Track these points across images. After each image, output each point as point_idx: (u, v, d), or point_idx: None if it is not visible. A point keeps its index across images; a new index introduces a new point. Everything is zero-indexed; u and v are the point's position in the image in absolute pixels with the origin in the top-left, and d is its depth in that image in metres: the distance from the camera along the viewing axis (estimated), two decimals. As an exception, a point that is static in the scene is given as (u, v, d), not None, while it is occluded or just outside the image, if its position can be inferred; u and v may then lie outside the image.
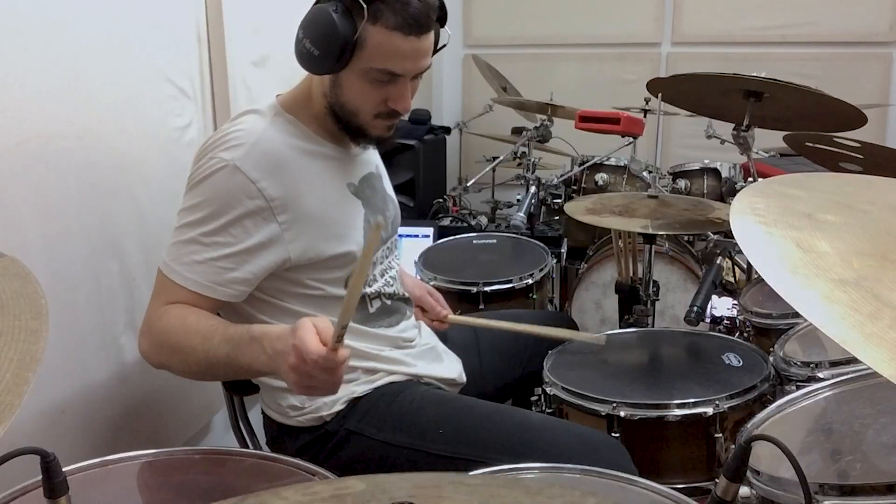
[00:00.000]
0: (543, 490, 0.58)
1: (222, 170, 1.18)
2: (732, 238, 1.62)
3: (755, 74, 1.73)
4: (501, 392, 1.64)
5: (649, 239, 1.85)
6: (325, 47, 1.16)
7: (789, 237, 0.74)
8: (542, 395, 1.47)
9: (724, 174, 2.82)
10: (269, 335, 1.09)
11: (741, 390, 1.36)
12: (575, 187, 2.88)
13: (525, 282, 2.04)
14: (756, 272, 1.97)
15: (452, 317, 1.58)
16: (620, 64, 3.93)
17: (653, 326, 1.91)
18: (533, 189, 2.64)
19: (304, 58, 1.20)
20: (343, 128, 1.29)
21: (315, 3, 1.20)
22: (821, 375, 1.28)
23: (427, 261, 2.21)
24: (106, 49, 1.39)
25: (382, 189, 1.45)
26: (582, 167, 2.86)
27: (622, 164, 2.82)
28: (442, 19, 1.24)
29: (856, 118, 1.71)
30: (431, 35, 1.22)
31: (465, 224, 2.93)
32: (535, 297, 2.06)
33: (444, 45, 1.25)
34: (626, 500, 1.00)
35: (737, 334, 1.84)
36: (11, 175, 1.20)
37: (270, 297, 1.28)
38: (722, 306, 2.22)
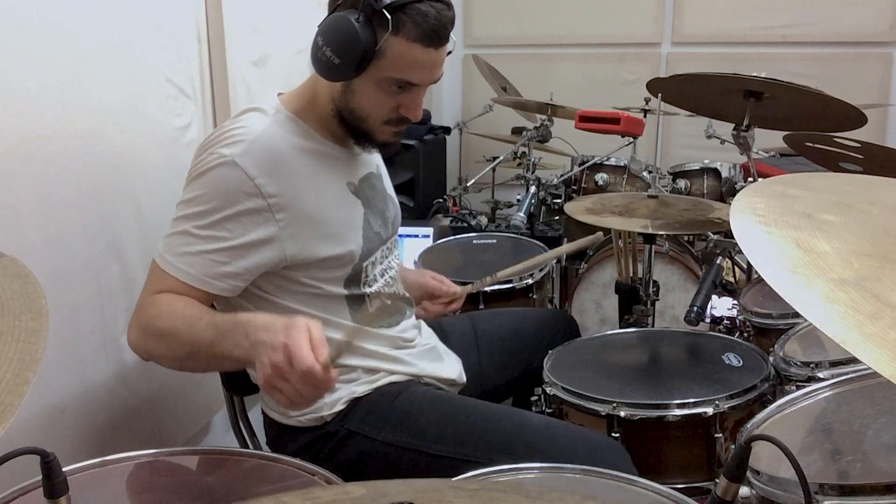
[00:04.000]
0: (544, 494, 0.58)
1: (221, 165, 1.19)
2: (732, 238, 1.62)
3: (755, 74, 1.73)
4: (501, 392, 1.64)
5: (649, 239, 1.85)
6: (345, 56, 1.16)
7: (789, 237, 0.74)
8: (542, 395, 1.47)
9: (724, 174, 2.82)
10: (253, 322, 1.09)
11: (741, 390, 1.36)
12: (575, 187, 2.88)
13: (525, 282, 2.04)
14: (756, 272, 1.97)
15: (462, 289, 1.58)
16: (620, 64, 3.92)
17: (653, 326, 1.91)
18: (533, 189, 2.64)
19: (323, 65, 1.19)
20: (349, 131, 1.29)
21: (333, 10, 1.20)
22: (821, 375, 1.28)
23: (427, 261, 2.21)
24: (106, 49, 1.39)
25: (382, 189, 1.45)
26: (582, 167, 2.85)
27: (622, 164, 2.82)
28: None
29: (856, 118, 1.71)
30: (447, 46, 1.23)
31: (465, 224, 2.93)
32: (534, 297, 2.06)
33: (451, 52, 1.26)
34: (626, 501, 1.01)
35: (737, 334, 1.84)
36: (11, 175, 1.20)
37: (268, 294, 1.28)
38: (722, 306, 2.21)
